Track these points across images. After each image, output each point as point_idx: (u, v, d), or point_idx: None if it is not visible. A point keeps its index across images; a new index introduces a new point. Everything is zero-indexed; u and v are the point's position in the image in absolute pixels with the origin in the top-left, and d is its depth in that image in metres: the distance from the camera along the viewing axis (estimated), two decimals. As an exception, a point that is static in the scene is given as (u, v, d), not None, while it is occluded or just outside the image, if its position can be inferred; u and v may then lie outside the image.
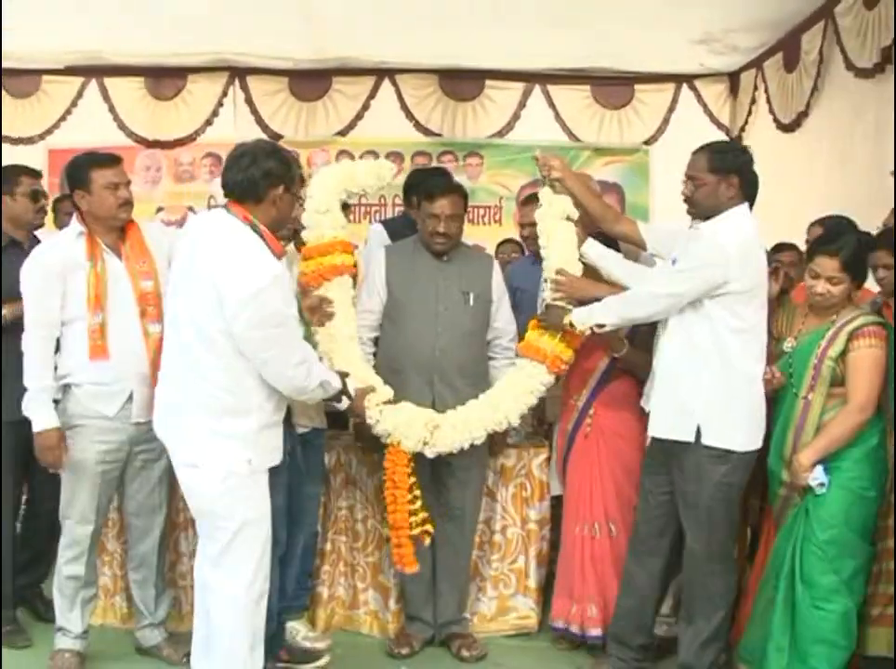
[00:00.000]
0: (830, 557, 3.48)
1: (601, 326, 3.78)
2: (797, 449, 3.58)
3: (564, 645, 4.25)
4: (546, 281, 4.02)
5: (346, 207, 4.34)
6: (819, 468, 3.50)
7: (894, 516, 3.64)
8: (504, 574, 4.42)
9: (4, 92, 6.84)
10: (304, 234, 3.99)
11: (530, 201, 4.67)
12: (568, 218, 3.97)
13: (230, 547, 3.29)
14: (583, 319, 3.80)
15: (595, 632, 4.13)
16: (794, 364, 3.63)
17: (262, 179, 3.28)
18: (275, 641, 3.98)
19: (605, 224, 3.99)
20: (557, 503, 4.42)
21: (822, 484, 3.50)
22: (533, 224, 4.16)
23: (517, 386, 4.02)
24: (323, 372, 3.44)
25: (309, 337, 3.58)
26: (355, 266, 4.11)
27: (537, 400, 4.05)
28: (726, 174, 3.61)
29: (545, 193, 4.00)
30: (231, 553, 3.30)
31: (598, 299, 3.83)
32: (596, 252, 3.98)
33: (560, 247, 3.96)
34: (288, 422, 3.86)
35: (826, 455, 3.51)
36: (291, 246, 3.96)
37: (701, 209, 3.66)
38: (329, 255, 3.97)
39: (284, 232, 3.79)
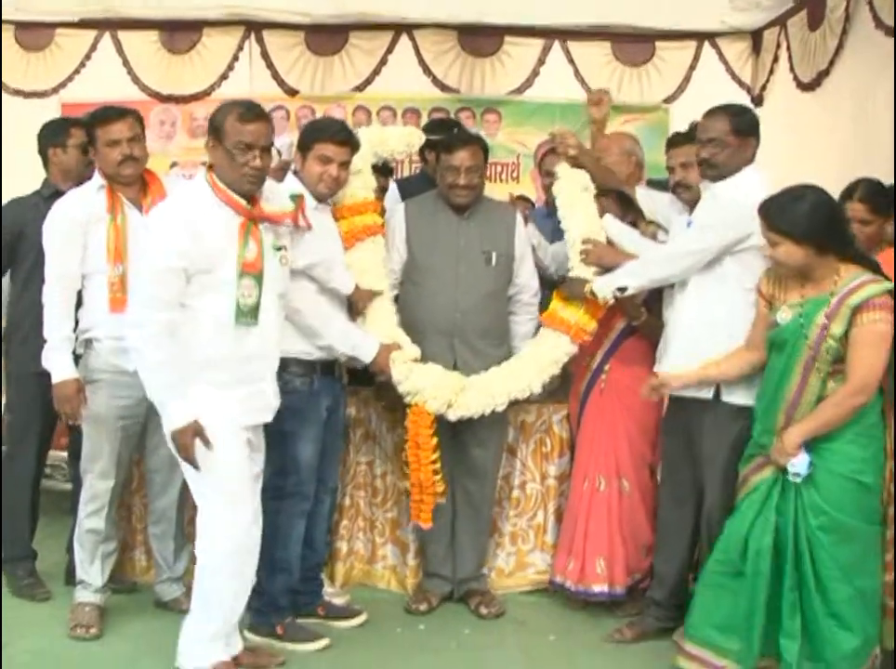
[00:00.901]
0: (825, 545, 3.25)
1: (623, 290, 3.81)
2: (788, 424, 3.33)
3: (577, 605, 4.26)
4: (569, 249, 4.07)
5: (388, 170, 4.48)
6: (803, 455, 3.25)
7: (895, 504, 3.53)
8: (522, 530, 4.44)
9: (17, 45, 6.78)
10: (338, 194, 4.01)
11: (553, 151, 4.67)
12: (585, 190, 4.07)
13: (196, 486, 3.42)
14: (604, 285, 3.85)
15: (599, 588, 4.14)
16: (784, 334, 3.34)
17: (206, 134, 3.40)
18: (312, 596, 4.05)
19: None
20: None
21: (797, 474, 3.25)
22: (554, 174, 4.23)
23: (541, 356, 4.05)
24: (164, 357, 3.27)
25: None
26: (383, 226, 4.11)
27: (560, 369, 4.07)
28: (747, 135, 3.65)
29: (562, 168, 4.12)
30: (199, 500, 3.42)
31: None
32: (614, 227, 4.07)
33: (582, 218, 4.04)
34: (332, 375, 3.89)
35: (815, 437, 3.27)
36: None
37: (722, 171, 3.66)
38: (361, 215, 3.99)
39: (322, 189, 3.80)
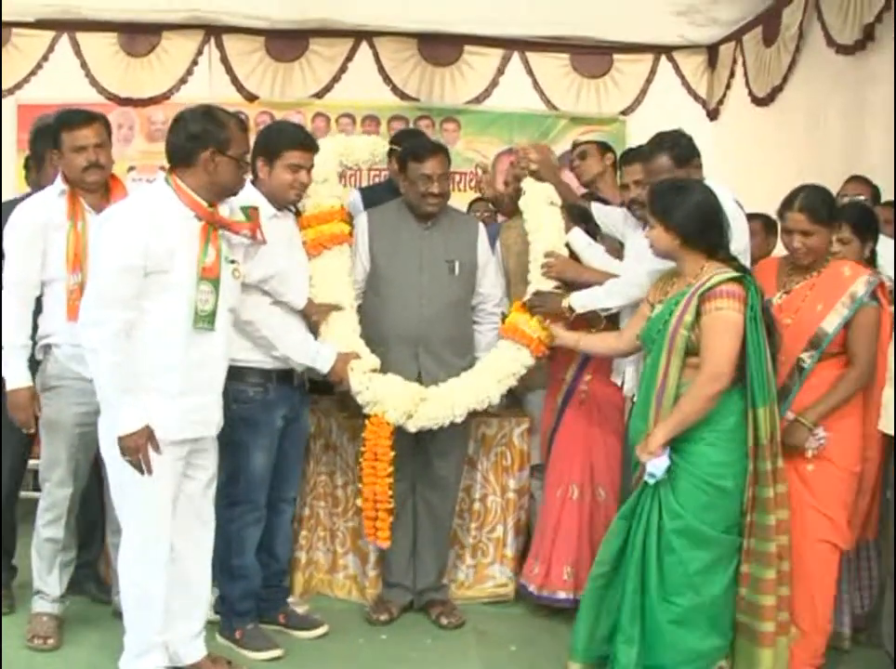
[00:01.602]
0: (678, 549, 3.27)
1: (607, 310, 3.91)
2: (656, 423, 3.36)
3: (542, 613, 4.30)
4: (531, 262, 4.12)
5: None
6: (664, 457, 3.26)
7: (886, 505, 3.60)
8: (482, 543, 4.46)
9: (-30, 45, 6.73)
10: (301, 203, 4.02)
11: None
12: (552, 204, 4.12)
13: (118, 496, 3.43)
14: (584, 303, 3.94)
15: (564, 595, 4.18)
16: (650, 332, 3.44)
17: (189, 142, 3.34)
18: (274, 603, 4.06)
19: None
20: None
21: (652, 476, 3.26)
22: (517, 180, 4.30)
23: (499, 368, 4.08)
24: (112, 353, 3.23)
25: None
26: (350, 235, 4.12)
27: (517, 381, 4.11)
28: (689, 160, 3.75)
29: (528, 182, 4.18)
30: (120, 504, 3.43)
31: (586, 282, 3.99)
32: (581, 241, 4.14)
33: (548, 232, 4.09)
34: (290, 384, 3.90)
35: (678, 433, 3.27)
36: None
37: None
38: (328, 223, 4.00)
39: (293, 197, 3.85)
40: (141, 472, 3.27)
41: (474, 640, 4.11)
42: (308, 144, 3.85)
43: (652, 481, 3.30)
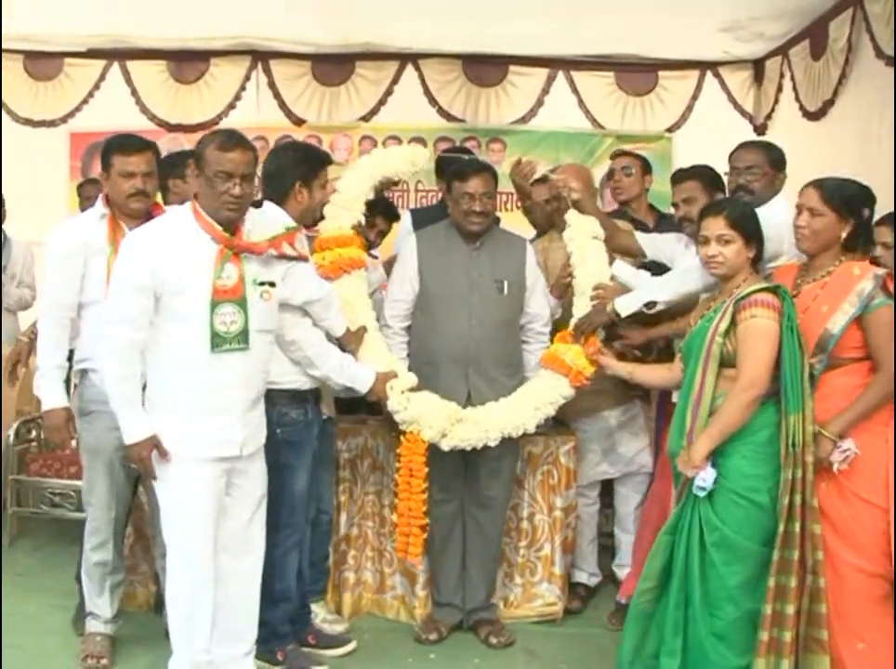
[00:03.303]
0: (717, 563, 3.25)
1: (651, 306, 3.89)
2: (692, 434, 3.31)
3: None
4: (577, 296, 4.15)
5: (394, 215, 4.71)
6: (710, 469, 3.25)
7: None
8: (530, 562, 4.44)
9: (26, 75, 6.88)
10: (321, 225, 4.06)
11: (539, 181, 4.82)
12: (595, 237, 4.13)
13: (163, 516, 3.44)
14: (627, 304, 3.93)
15: None
16: (690, 344, 3.45)
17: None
18: (302, 625, 4.05)
19: (607, 239, 4.19)
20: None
21: (702, 488, 3.25)
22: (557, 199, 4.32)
23: (538, 396, 4.09)
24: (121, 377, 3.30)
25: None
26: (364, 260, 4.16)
27: (555, 410, 4.12)
28: (780, 169, 3.84)
29: (572, 215, 4.18)
30: (165, 524, 3.45)
31: None
32: (626, 272, 4.15)
33: (594, 266, 4.11)
34: (316, 407, 3.91)
35: (720, 443, 3.25)
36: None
37: (756, 199, 3.72)
38: (347, 247, 4.03)
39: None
40: (153, 477, 3.38)
41: (523, 659, 4.09)
42: (331, 160, 3.98)
43: (702, 494, 3.28)
